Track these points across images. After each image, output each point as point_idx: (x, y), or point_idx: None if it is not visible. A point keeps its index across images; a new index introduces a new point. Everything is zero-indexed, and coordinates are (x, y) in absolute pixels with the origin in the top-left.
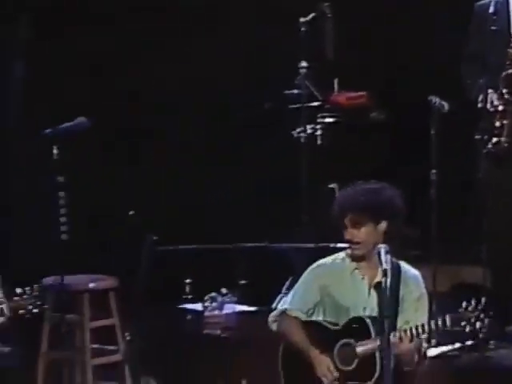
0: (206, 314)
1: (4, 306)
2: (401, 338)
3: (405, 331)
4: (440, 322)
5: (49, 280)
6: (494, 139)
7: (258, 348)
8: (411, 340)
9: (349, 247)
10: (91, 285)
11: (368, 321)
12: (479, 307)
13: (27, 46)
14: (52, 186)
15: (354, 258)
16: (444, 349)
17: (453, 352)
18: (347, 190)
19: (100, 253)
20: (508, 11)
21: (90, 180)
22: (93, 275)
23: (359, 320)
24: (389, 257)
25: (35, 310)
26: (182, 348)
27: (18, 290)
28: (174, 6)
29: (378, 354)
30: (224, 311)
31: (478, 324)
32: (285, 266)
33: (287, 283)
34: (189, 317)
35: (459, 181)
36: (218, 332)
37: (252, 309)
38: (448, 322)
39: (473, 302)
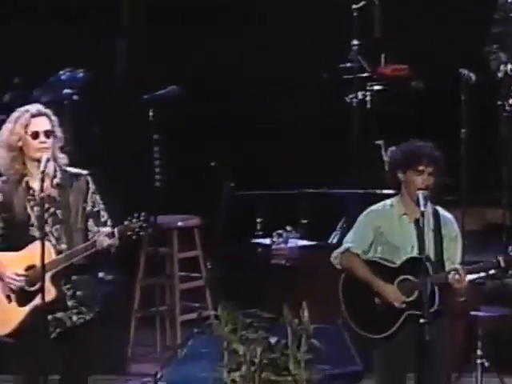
0: (274, 247)
1: (115, 230)
2: (459, 278)
3: (459, 270)
4: (495, 263)
5: None
6: (511, 100)
7: (316, 275)
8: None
9: (394, 194)
10: (179, 223)
11: (425, 260)
12: None
13: (130, 30)
14: (149, 142)
15: (425, 203)
16: (473, 277)
17: (479, 280)
18: (420, 144)
19: (187, 197)
20: None
21: (179, 136)
22: (181, 215)
23: (416, 260)
24: (427, 201)
25: (142, 233)
26: (254, 275)
27: (126, 221)
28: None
29: (436, 288)
30: (288, 245)
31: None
32: (339, 209)
33: (340, 223)
34: (259, 249)
35: (484, 138)
36: (283, 262)
37: (311, 243)
38: (502, 263)
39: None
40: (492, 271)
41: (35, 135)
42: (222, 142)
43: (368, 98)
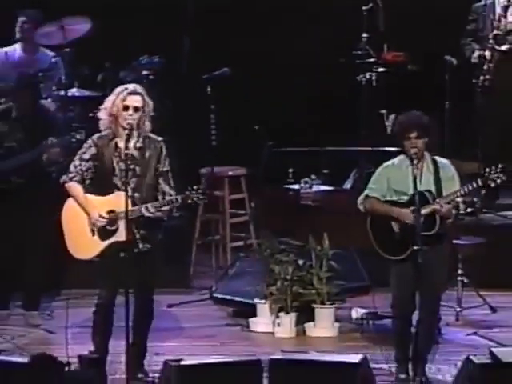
0: (302, 191)
1: (178, 198)
2: (440, 205)
3: (444, 198)
4: (470, 187)
5: (203, 169)
6: (481, 77)
7: (335, 212)
8: (449, 203)
9: (399, 151)
10: (230, 173)
11: (426, 193)
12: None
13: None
14: (206, 111)
15: (414, 158)
16: (459, 199)
17: (459, 216)
18: (411, 115)
19: (236, 152)
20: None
21: (230, 106)
22: (231, 167)
23: (420, 193)
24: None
25: (199, 202)
26: (286, 212)
27: (188, 189)
28: None
29: (437, 215)
30: (313, 189)
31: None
32: (351, 162)
33: (353, 173)
34: (291, 193)
35: (463, 108)
36: (309, 202)
37: (331, 188)
38: (480, 182)
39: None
40: (469, 209)
41: (126, 108)
42: (262, 111)
43: (374, 78)
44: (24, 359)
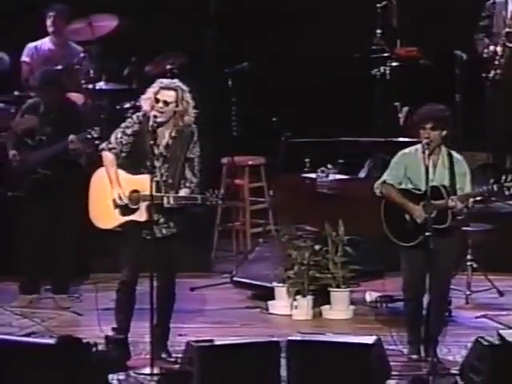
0: (318, 180)
1: (198, 197)
2: (454, 203)
3: (454, 198)
4: (485, 191)
5: (224, 159)
6: (493, 72)
7: (349, 200)
8: (462, 202)
9: (413, 142)
10: (250, 162)
11: (441, 188)
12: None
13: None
14: (227, 103)
15: (426, 148)
16: (470, 200)
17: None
18: (432, 107)
19: (256, 143)
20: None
21: (250, 99)
22: (251, 156)
23: (435, 187)
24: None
25: (216, 205)
26: (303, 200)
27: (206, 194)
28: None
29: (450, 212)
30: (329, 178)
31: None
32: (366, 152)
33: (367, 162)
34: (308, 181)
35: (473, 101)
36: (325, 191)
37: (346, 177)
38: (496, 188)
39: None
40: (478, 198)
41: (157, 101)
42: (281, 103)
43: (388, 72)
44: (51, 340)
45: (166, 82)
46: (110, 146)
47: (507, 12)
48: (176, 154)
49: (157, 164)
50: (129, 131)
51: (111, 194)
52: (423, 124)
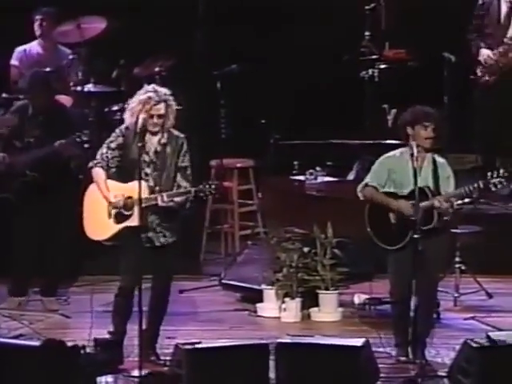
0: (307, 182)
1: (192, 190)
2: (440, 201)
3: (443, 197)
4: (470, 189)
5: (213, 162)
6: (483, 74)
7: (338, 203)
8: (447, 201)
9: (398, 144)
10: (238, 164)
11: (426, 189)
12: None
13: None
14: (216, 106)
15: (428, 148)
16: (458, 202)
17: (459, 205)
18: (427, 108)
19: (244, 145)
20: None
21: (238, 101)
22: (239, 158)
23: (420, 189)
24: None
25: (210, 196)
26: (292, 202)
27: (200, 186)
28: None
29: (435, 211)
30: (318, 180)
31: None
32: (354, 154)
33: (355, 165)
34: (296, 184)
35: (462, 103)
36: (314, 193)
37: (335, 179)
38: (481, 185)
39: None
40: (467, 200)
41: (151, 117)
42: (269, 105)
43: (376, 74)
44: (37, 343)
45: (154, 96)
46: (96, 161)
47: (500, 13)
48: (166, 162)
49: (148, 171)
50: (113, 145)
51: (106, 206)
52: (425, 122)
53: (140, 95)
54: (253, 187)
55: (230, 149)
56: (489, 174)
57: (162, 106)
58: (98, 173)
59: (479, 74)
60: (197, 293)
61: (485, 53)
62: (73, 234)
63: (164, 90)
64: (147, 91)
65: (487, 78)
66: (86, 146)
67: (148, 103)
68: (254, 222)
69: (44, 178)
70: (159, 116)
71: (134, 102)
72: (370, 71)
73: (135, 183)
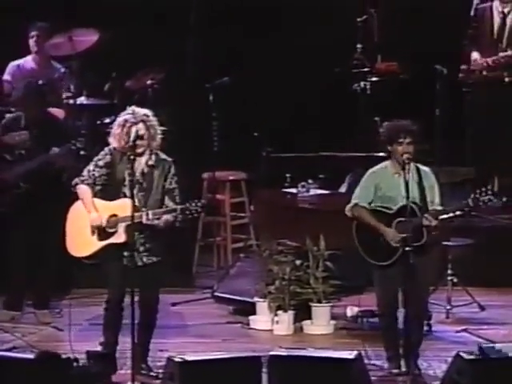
0: (299, 195)
1: (178, 208)
2: (429, 219)
3: (432, 213)
4: (461, 206)
5: (205, 174)
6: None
7: (330, 215)
8: (436, 218)
9: (387, 157)
10: (231, 177)
11: (414, 206)
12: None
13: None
14: (208, 118)
15: (407, 163)
16: (444, 216)
17: (450, 218)
18: (402, 122)
19: (237, 158)
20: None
21: (231, 114)
22: (232, 171)
23: (406, 206)
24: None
25: (197, 215)
26: (284, 215)
27: (186, 204)
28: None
29: (424, 228)
30: (310, 193)
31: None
32: (346, 167)
33: (348, 177)
34: (288, 196)
35: (454, 116)
36: (306, 205)
37: (327, 192)
38: (471, 203)
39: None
40: (458, 212)
41: (136, 138)
42: (261, 118)
43: (368, 87)
44: (30, 355)
45: (130, 118)
46: (83, 178)
47: (493, 24)
48: (153, 183)
49: (134, 191)
50: (101, 163)
51: (88, 221)
52: (400, 139)
53: (119, 118)
54: (245, 200)
55: (223, 161)
56: (477, 191)
57: (140, 126)
58: (84, 189)
59: (462, 74)
60: (189, 305)
61: (475, 55)
62: (64, 247)
63: (143, 111)
64: (125, 114)
65: (470, 81)
66: (82, 153)
67: (125, 126)
68: (246, 235)
69: (37, 189)
70: (140, 137)
71: (114, 126)
72: (362, 84)
73: (120, 201)
